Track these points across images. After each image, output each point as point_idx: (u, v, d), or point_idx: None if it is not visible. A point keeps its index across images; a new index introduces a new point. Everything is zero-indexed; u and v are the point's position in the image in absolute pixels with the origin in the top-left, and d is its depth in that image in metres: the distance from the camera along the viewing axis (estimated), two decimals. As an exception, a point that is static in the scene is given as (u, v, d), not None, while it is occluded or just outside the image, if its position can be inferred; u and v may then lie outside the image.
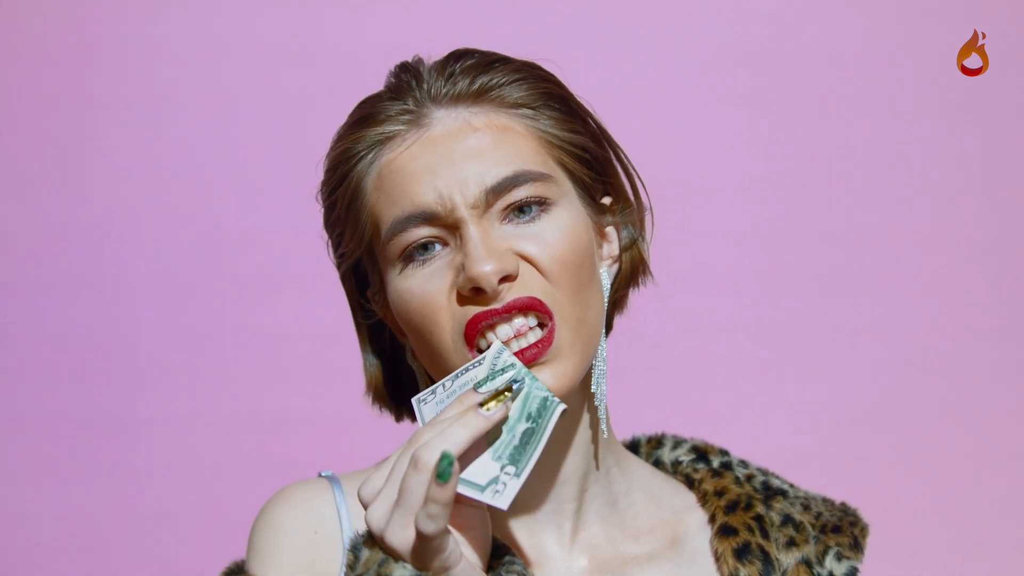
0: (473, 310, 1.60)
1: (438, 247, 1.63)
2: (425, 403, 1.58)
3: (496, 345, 1.58)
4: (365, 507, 1.51)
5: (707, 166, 2.89)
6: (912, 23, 2.90)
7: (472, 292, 1.60)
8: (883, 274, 2.90)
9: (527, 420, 1.53)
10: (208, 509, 2.88)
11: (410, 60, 1.71)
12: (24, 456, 2.90)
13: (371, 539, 1.53)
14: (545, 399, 1.53)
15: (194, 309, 2.89)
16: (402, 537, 1.49)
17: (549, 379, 1.60)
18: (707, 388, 2.88)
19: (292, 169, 2.83)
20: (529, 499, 1.71)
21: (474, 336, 1.60)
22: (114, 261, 2.89)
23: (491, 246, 1.60)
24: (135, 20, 2.88)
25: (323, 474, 1.74)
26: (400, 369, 1.77)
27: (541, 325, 1.61)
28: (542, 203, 1.63)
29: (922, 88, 2.90)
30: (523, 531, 1.71)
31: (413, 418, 1.73)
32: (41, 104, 2.89)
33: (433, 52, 1.73)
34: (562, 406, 1.53)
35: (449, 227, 1.62)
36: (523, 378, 1.54)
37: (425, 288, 1.62)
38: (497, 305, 1.60)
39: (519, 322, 1.60)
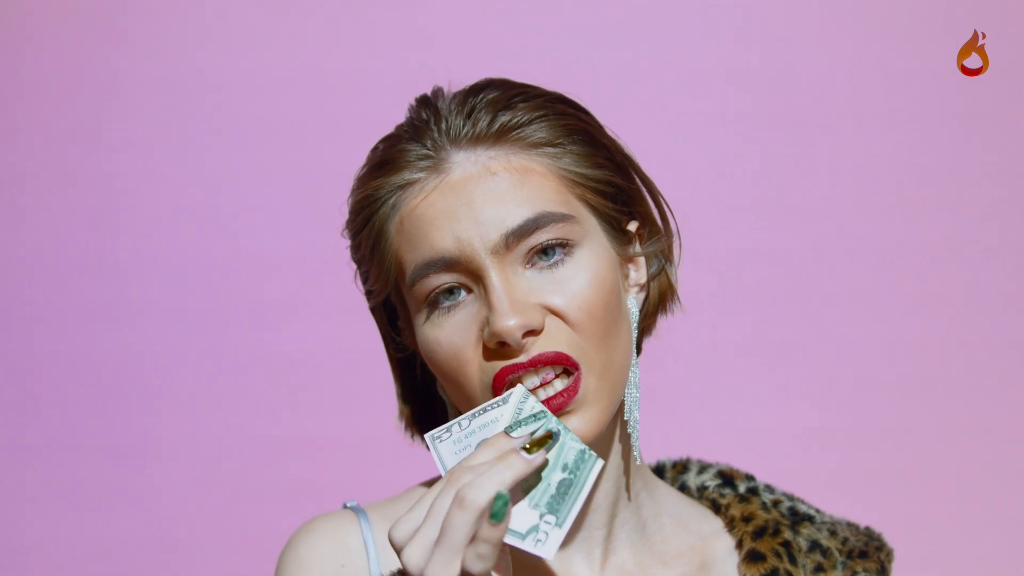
0: (499, 364, 1.59)
1: (463, 293, 1.62)
2: (441, 441, 1.57)
3: (520, 390, 1.58)
4: (398, 548, 1.50)
5: (710, 183, 2.88)
6: (912, 23, 2.89)
7: (498, 345, 1.59)
8: (896, 289, 2.90)
9: (563, 470, 1.53)
10: (225, 533, 2.87)
11: (429, 93, 1.70)
12: (41, 481, 2.89)
13: None
14: (582, 452, 1.53)
15: (212, 333, 2.88)
16: None
17: (578, 425, 1.59)
18: (719, 409, 2.89)
19: (311, 193, 2.83)
20: None
21: (501, 389, 1.60)
22: (132, 286, 2.88)
23: (515, 298, 1.59)
24: (158, 49, 2.87)
25: (348, 505, 1.73)
26: (433, 397, 1.76)
27: (567, 372, 1.60)
28: (565, 245, 1.62)
29: (922, 88, 2.90)
30: (554, 558, 1.71)
31: None
32: (61, 131, 2.87)
33: (453, 79, 1.72)
34: (601, 462, 1.54)
35: (471, 273, 1.61)
36: (558, 428, 1.54)
37: (452, 342, 1.61)
38: (523, 359, 1.59)
39: (545, 371, 1.60)
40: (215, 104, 2.88)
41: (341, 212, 1.73)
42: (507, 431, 1.54)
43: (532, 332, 1.59)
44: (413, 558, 1.49)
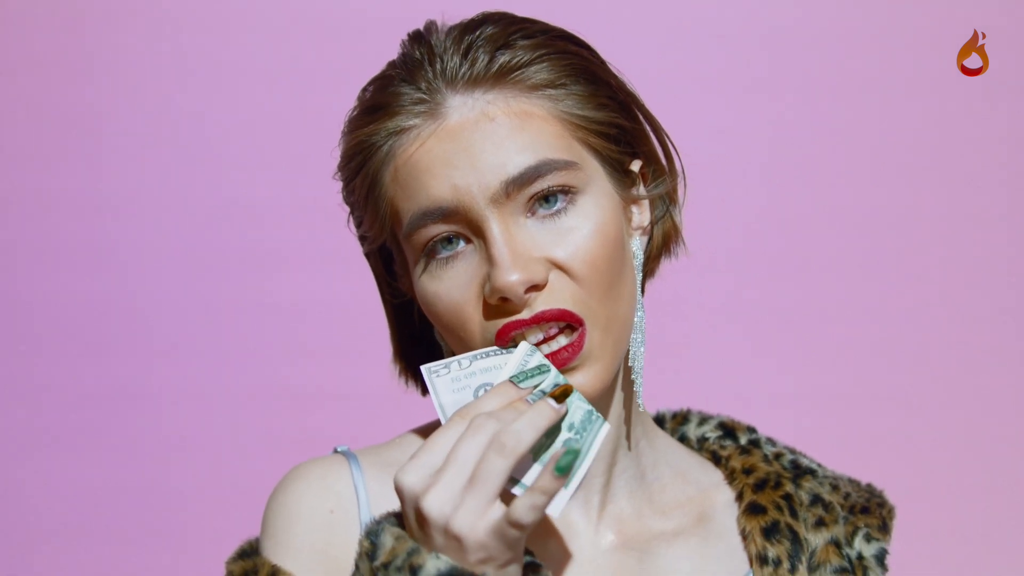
0: (502, 321, 1.55)
1: (461, 243, 1.56)
2: (438, 376, 1.52)
3: (525, 345, 1.53)
4: (415, 493, 1.44)
5: (712, 151, 2.87)
6: (912, 23, 2.89)
7: (500, 301, 1.54)
8: (891, 262, 2.89)
9: (569, 430, 1.49)
10: (223, 484, 2.86)
11: (422, 28, 1.64)
12: (39, 431, 2.87)
13: (397, 525, 1.48)
14: (589, 413, 1.49)
15: (208, 284, 2.87)
16: (475, 525, 1.42)
17: (583, 381, 1.55)
18: (712, 372, 2.87)
19: (305, 142, 2.81)
20: None
21: (505, 343, 1.55)
22: (127, 236, 2.87)
23: (517, 251, 1.54)
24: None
25: (339, 449, 1.68)
26: (430, 342, 1.71)
27: (571, 328, 1.56)
28: (567, 192, 1.57)
29: (921, 88, 2.90)
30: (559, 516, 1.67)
31: None
32: (47, 77, 2.86)
33: (447, 11, 1.66)
34: (608, 426, 1.50)
35: (470, 223, 1.56)
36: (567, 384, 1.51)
37: (452, 297, 1.57)
38: (526, 315, 1.54)
39: (548, 327, 1.55)
40: (209, 48, 2.86)
41: (329, 145, 1.68)
42: (513, 380, 1.49)
43: (535, 287, 1.54)
44: (436, 504, 1.43)
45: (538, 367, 1.52)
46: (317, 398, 2.85)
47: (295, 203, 2.85)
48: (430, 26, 1.64)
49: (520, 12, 1.69)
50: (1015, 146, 2.91)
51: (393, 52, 1.66)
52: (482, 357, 1.54)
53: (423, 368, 1.53)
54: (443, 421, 1.51)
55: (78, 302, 2.87)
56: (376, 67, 1.68)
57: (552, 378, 1.51)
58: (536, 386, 1.50)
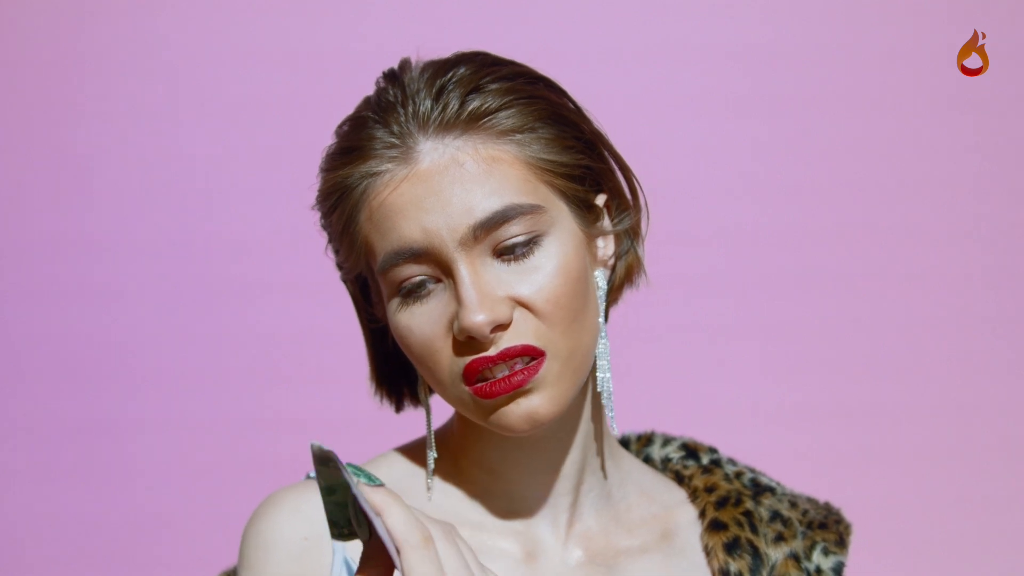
0: (469, 358, 1.62)
1: (431, 284, 1.64)
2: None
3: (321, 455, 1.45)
4: None
5: (694, 166, 2.89)
6: (912, 23, 2.90)
7: (467, 339, 1.62)
8: (875, 273, 2.91)
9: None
10: (203, 512, 2.89)
11: (396, 67, 1.70)
12: (19, 460, 2.91)
13: None
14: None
15: (187, 312, 2.90)
16: None
17: (538, 404, 1.63)
18: (691, 388, 2.90)
19: (284, 172, 2.84)
20: (527, 492, 1.74)
21: (472, 378, 1.62)
22: (108, 265, 2.90)
23: (483, 292, 1.61)
24: (129, 26, 2.89)
25: (311, 475, 1.75)
26: (405, 363, 1.78)
27: (532, 357, 1.63)
28: (533, 236, 1.63)
29: (921, 88, 2.91)
30: (519, 523, 1.74)
31: (414, 405, 1.78)
32: (34, 111, 2.90)
33: (423, 48, 1.72)
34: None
35: (439, 263, 1.63)
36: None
37: (423, 332, 1.64)
38: (492, 352, 1.62)
39: (513, 361, 1.62)
40: (191, 81, 2.89)
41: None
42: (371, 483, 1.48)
43: (500, 327, 1.61)
44: None
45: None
46: (294, 424, 2.89)
47: (271, 233, 2.88)
48: (404, 64, 1.70)
49: (493, 43, 1.75)
50: (1015, 146, 2.92)
51: (369, 87, 1.72)
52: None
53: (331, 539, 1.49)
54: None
55: (55, 332, 2.90)
56: (354, 100, 1.74)
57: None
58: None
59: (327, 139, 1.73)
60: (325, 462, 1.39)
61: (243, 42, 2.90)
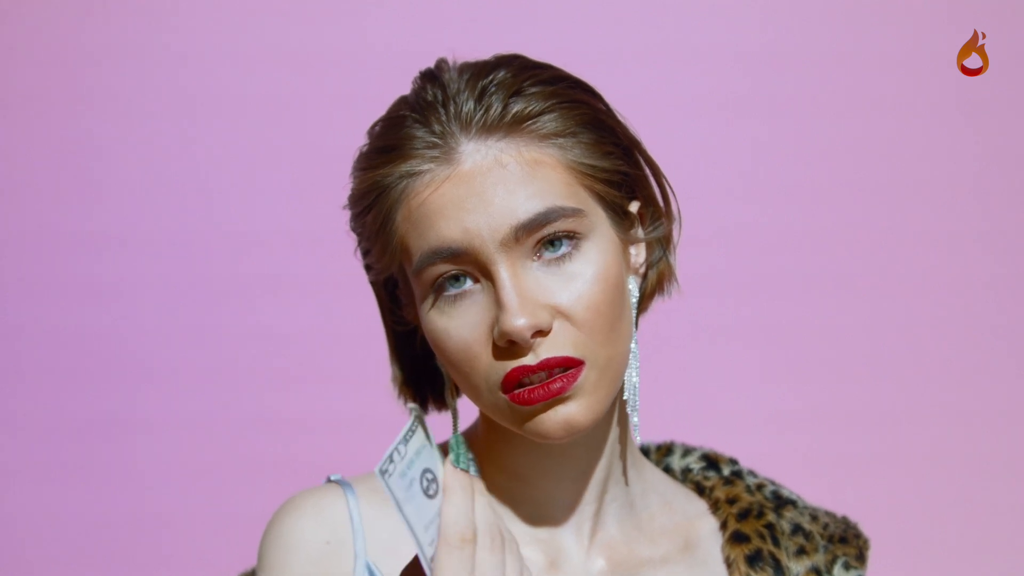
0: (509, 365, 1.61)
1: (469, 281, 1.63)
2: (390, 475, 1.47)
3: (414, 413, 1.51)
4: None
5: (694, 166, 2.90)
6: (912, 23, 2.90)
7: (507, 344, 1.61)
8: (875, 273, 2.91)
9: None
10: (203, 512, 2.88)
11: (433, 67, 1.69)
12: (23, 459, 2.90)
13: None
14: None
15: (188, 312, 2.89)
16: None
17: (576, 411, 1.63)
18: (691, 388, 2.90)
19: (294, 170, 2.83)
20: (554, 499, 1.73)
21: (512, 386, 1.62)
22: (108, 265, 2.89)
23: (524, 296, 1.60)
24: (139, 25, 2.88)
25: (332, 478, 1.74)
26: (430, 365, 1.77)
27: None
28: (573, 237, 1.63)
29: (921, 88, 2.91)
30: (544, 531, 1.74)
31: (437, 409, 1.77)
32: (42, 107, 2.89)
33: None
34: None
35: (479, 264, 1.62)
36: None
37: (462, 335, 1.63)
38: (531, 361, 1.61)
39: (552, 371, 1.62)
40: (200, 77, 2.88)
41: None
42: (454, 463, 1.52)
43: (540, 332, 1.61)
44: None
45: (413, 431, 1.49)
46: (294, 424, 2.88)
47: (273, 232, 2.87)
48: (441, 65, 1.70)
49: (494, 43, 1.74)
50: (1015, 147, 2.93)
51: (394, 87, 1.71)
52: (410, 437, 1.50)
53: (376, 472, 1.49)
54: (413, 536, 1.48)
55: (54, 332, 2.89)
56: (374, 100, 1.73)
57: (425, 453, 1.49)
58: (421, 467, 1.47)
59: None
60: (420, 423, 1.43)
61: (249, 41, 2.88)
